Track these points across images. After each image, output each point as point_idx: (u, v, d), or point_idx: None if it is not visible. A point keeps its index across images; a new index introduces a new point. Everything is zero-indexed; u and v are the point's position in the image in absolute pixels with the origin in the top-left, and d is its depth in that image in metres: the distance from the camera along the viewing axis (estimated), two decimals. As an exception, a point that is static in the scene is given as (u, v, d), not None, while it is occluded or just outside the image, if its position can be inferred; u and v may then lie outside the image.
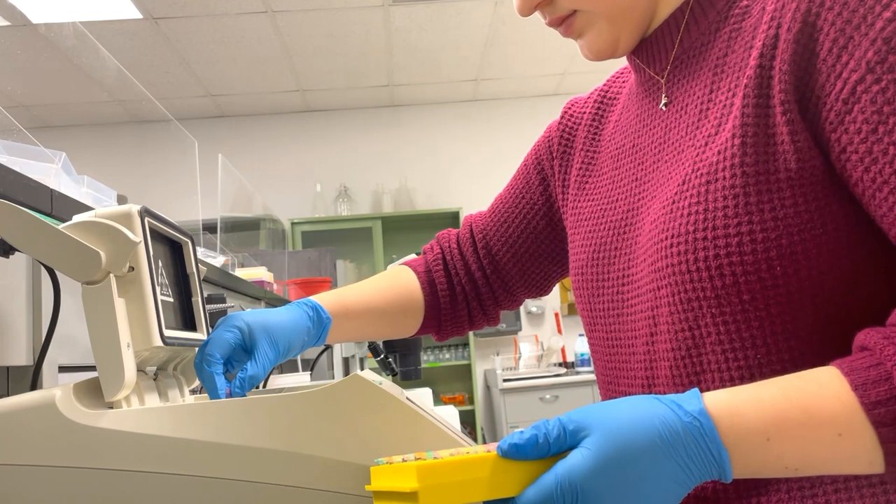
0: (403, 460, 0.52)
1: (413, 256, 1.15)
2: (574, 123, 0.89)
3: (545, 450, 0.50)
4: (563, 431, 0.51)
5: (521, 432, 0.51)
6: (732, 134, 0.62)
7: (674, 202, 0.65)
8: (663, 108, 0.73)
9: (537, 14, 0.73)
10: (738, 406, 0.52)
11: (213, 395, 0.70)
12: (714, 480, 0.62)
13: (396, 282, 0.97)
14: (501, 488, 0.50)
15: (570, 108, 0.91)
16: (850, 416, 0.50)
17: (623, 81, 0.86)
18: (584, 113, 0.88)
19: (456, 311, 0.99)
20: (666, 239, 0.64)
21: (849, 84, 0.55)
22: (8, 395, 0.74)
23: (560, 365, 4.79)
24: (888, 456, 0.50)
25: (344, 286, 0.92)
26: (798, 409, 0.51)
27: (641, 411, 0.51)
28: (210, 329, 0.77)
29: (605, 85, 0.89)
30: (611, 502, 0.49)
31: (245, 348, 0.75)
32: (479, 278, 0.98)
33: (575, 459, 0.49)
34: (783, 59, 0.59)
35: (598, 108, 0.87)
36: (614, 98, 0.86)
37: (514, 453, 0.50)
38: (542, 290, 1.00)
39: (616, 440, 0.50)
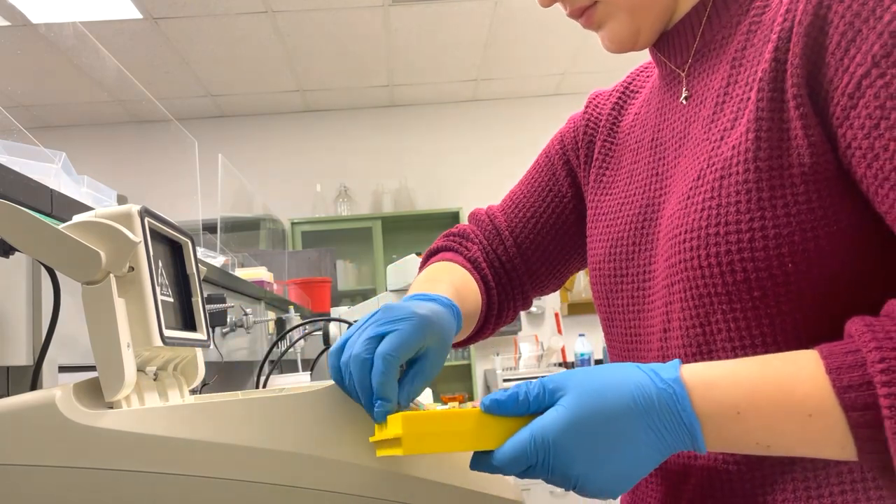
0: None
1: (413, 256, 1.13)
2: (598, 115, 0.88)
3: (525, 407, 0.53)
4: (543, 390, 0.53)
5: (504, 390, 0.53)
6: (747, 129, 0.61)
7: (689, 197, 0.65)
8: (683, 102, 0.72)
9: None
10: (712, 378, 0.53)
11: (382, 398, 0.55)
12: (721, 479, 0.62)
13: (471, 286, 0.86)
14: (481, 441, 0.53)
15: (594, 99, 0.90)
16: (821, 398, 0.51)
17: (647, 76, 0.86)
18: (606, 105, 0.88)
19: (499, 318, 0.94)
20: (680, 234, 0.64)
21: (854, 78, 0.55)
22: (8, 395, 0.74)
23: (560, 365, 4.79)
24: (858, 441, 0.50)
25: (454, 283, 0.78)
26: (771, 386, 0.52)
27: (619, 376, 0.53)
28: (210, 329, 0.77)
29: (628, 78, 0.88)
30: (581, 459, 0.51)
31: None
32: (514, 278, 0.93)
33: (550, 417, 0.52)
34: (795, 52, 0.58)
35: (619, 101, 0.86)
36: (636, 92, 0.85)
37: (495, 408, 0.53)
38: (559, 284, 0.96)
39: (590, 400, 0.52)
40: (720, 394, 0.53)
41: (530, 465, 0.52)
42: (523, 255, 0.92)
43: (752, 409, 0.52)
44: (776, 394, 0.52)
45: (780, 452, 0.54)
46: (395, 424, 0.53)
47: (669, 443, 0.52)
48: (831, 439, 0.51)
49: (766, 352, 0.60)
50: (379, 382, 0.55)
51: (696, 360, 0.63)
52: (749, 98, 0.63)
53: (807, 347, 0.59)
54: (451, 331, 0.64)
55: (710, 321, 0.62)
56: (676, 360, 0.55)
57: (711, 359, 0.63)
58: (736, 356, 0.61)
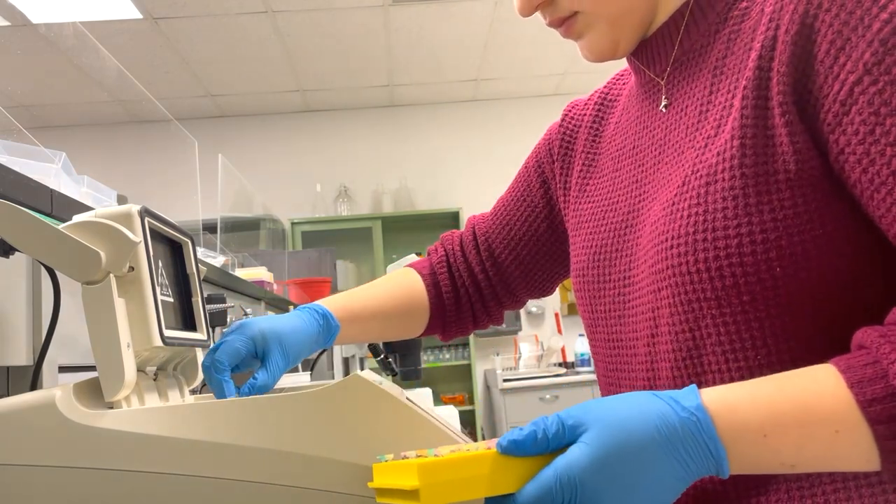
0: (405, 457, 0.52)
1: (413, 256, 1.15)
2: (575, 126, 0.89)
3: (544, 446, 0.51)
4: (562, 427, 0.51)
5: (521, 429, 0.51)
6: (731, 136, 0.62)
7: (674, 203, 0.65)
8: (663, 110, 0.73)
9: (538, 14, 0.73)
10: (735, 402, 0.53)
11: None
12: (714, 481, 0.62)
13: (402, 284, 0.98)
14: (501, 485, 0.50)
15: (570, 111, 0.91)
16: (846, 414, 0.50)
17: (623, 83, 0.86)
18: (585, 115, 0.88)
19: (460, 313, 1.00)
20: (666, 241, 0.64)
21: (846, 86, 0.55)
22: (8, 395, 0.74)
23: (560, 365, 4.79)
24: (884, 453, 0.50)
25: (350, 289, 0.94)
26: (795, 405, 0.52)
27: (639, 406, 0.52)
28: (210, 329, 0.77)
29: (605, 87, 0.89)
30: (609, 496, 0.49)
31: (255, 355, 0.77)
32: (481, 280, 0.99)
33: (574, 454, 0.50)
34: (781, 60, 0.59)
35: (599, 110, 0.87)
36: (615, 100, 0.86)
37: (513, 449, 0.50)
38: (544, 290, 1.00)
39: (614, 435, 0.50)
40: (744, 418, 0.52)
41: None
42: (494, 260, 0.98)
43: (777, 432, 0.51)
44: (800, 413, 0.51)
45: (803, 470, 0.53)
46: (408, 474, 0.49)
47: (693, 470, 0.51)
48: (857, 453, 0.51)
49: (757, 355, 0.60)
50: (214, 382, 0.72)
51: (685, 364, 0.64)
52: (732, 105, 0.63)
53: (797, 349, 0.59)
54: (295, 336, 0.79)
55: (700, 326, 0.62)
56: (693, 386, 0.54)
57: (701, 362, 0.63)
58: (727, 359, 0.61)
